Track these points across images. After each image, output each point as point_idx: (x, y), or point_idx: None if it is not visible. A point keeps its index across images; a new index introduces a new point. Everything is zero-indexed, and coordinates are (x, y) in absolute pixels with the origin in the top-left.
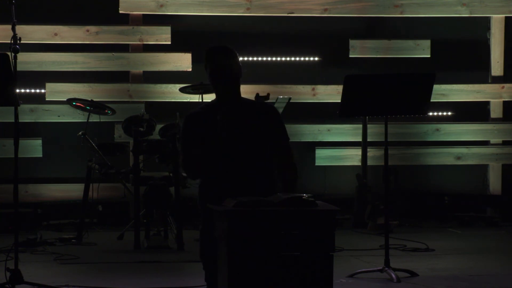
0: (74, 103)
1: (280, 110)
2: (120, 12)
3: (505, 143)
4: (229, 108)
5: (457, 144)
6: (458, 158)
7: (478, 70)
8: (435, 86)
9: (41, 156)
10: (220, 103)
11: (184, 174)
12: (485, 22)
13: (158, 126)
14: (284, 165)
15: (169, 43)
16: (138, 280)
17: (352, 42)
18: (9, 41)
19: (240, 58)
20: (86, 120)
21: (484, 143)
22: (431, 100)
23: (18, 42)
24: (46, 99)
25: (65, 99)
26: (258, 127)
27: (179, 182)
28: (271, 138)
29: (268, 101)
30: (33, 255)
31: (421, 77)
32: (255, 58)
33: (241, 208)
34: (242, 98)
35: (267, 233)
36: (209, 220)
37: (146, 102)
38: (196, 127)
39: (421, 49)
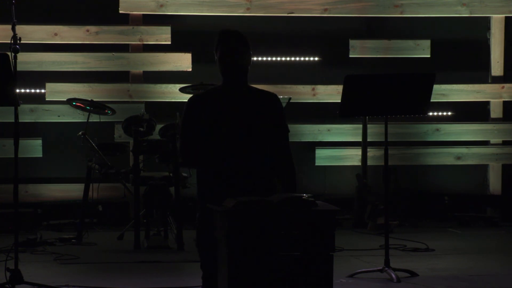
0: (74, 103)
1: None
2: (120, 12)
3: (505, 143)
4: (233, 96)
5: (457, 144)
6: (458, 158)
7: (478, 70)
8: (435, 86)
9: (41, 156)
10: (226, 89)
11: (185, 174)
12: (485, 22)
13: (158, 126)
14: (281, 162)
15: (169, 43)
16: (138, 280)
17: (352, 42)
18: (9, 41)
19: None
20: (86, 120)
21: (484, 143)
22: (431, 100)
23: (18, 42)
24: (46, 99)
25: (65, 99)
26: (261, 118)
27: (179, 182)
28: (272, 127)
29: None
30: (33, 255)
31: (421, 77)
32: (255, 58)
33: (241, 208)
34: (248, 85)
35: (267, 233)
36: (207, 217)
37: (146, 102)
38: (198, 111)
39: (421, 49)
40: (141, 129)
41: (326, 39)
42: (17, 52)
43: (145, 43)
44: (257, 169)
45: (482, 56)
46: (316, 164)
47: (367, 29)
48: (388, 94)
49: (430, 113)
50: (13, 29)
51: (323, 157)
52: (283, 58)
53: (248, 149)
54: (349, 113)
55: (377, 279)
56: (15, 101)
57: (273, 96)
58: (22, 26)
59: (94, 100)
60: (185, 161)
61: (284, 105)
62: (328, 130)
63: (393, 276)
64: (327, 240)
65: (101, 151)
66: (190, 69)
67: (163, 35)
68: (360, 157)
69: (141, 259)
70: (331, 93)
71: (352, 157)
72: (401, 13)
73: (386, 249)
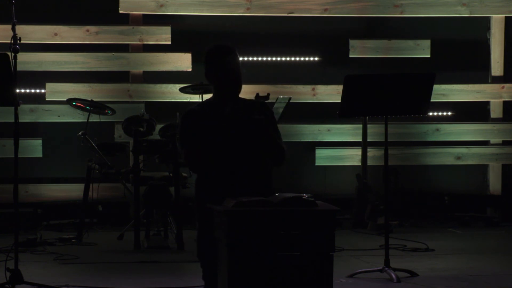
0: (74, 103)
1: (280, 110)
2: (120, 12)
3: (505, 143)
4: (230, 107)
5: (457, 144)
6: (458, 158)
7: (478, 70)
8: (435, 86)
9: (41, 156)
10: (220, 102)
11: (185, 174)
12: (485, 22)
13: (158, 126)
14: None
15: (169, 43)
16: (138, 280)
17: (352, 42)
18: (9, 41)
19: (240, 58)
20: (86, 120)
21: (484, 143)
22: (431, 100)
23: (18, 42)
24: (46, 99)
25: (65, 99)
26: (255, 126)
27: (179, 182)
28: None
29: (268, 101)
30: (33, 255)
31: (421, 77)
32: (255, 58)
33: (241, 208)
34: (239, 97)
35: (267, 233)
36: (205, 220)
37: (146, 102)
38: (194, 124)
39: (421, 49)
40: (141, 129)
41: (326, 39)
42: (17, 52)
43: (145, 43)
44: (255, 171)
45: (482, 56)
46: (316, 164)
47: (367, 29)
48: (388, 94)
49: (430, 113)
50: (13, 29)
51: (323, 157)
52: (283, 58)
53: (244, 155)
54: (349, 113)
55: (377, 279)
56: (15, 101)
57: (263, 106)
58: (22, 26)
59: (94, 100)
60: (194, 171)
61: (284, 105)
62: (328, 130)
63: (393, 276)
64: (327, 240)
65: (101, 151)
66: (190, 69)
67: (163, 35)
68: (360, 157)
69: (141, 259)
70: (331, 93)
71: (352, 157)
72: (401, 13)
73: (386, 249)
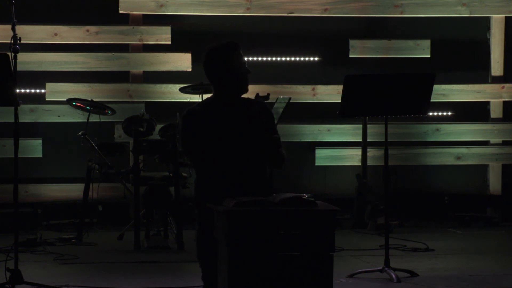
0: (74, 103)
1: (281, 110)
2: (120, 12)
3: (505, 143)
4: (230, 107)
5: (457, 144)
6: (458, 158)
7: (478, 70)
8: (435, 86)
9: (41, 156)
10: (221, 101)
11: (185, 174)
12: (485, 22)
13: (158, 126)
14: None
15: (169, 43)
16: (138, 280)
17: (352, 42)
18: (9, 41)
19: None
20: (86, 120)
21: (484, 143)
22: (431, 100)
23: (18, 42)
24: (46, 99)
25: (65, 99)
26: (256, 125)
27: (179, 182)
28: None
29: (268, 101)
30: (33, 255)
31: (421, 77)
32: (255, 58)
33: (241, 208)
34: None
35: (267, 233)
36: (205, 220)
37: (146, 102)
38: (195, 124)
39: (421, 49)
40: (141, 129)
41: (326, 39)
42: (17, 52)
43: (145, 43)
44: (255, 171)
45: (482, 56)
46: (316, 164)
47: (367, 29)
48: (388, 94)
49: (430, 113)
50: (13, 29)
51: (323, 157)
52: (283, 58)
53: (244, 155)
54: (349, 113)
55: (377, 279)
56: (15, 101)
57: (262, 105)
58: (22, 26)
59: (94, 100)
60: (197, 170)
61: (284, 105)
62: (328, 130)
63: (393, 276)
64: (327, 240)
65: (101, 151)
66: (190, 69)
67: (163, 35)
68: (360, 157)
69: (141, 259)
70: (331, 93)
71: (352, 157)
72: (401, 13)
73: (386, 249)
